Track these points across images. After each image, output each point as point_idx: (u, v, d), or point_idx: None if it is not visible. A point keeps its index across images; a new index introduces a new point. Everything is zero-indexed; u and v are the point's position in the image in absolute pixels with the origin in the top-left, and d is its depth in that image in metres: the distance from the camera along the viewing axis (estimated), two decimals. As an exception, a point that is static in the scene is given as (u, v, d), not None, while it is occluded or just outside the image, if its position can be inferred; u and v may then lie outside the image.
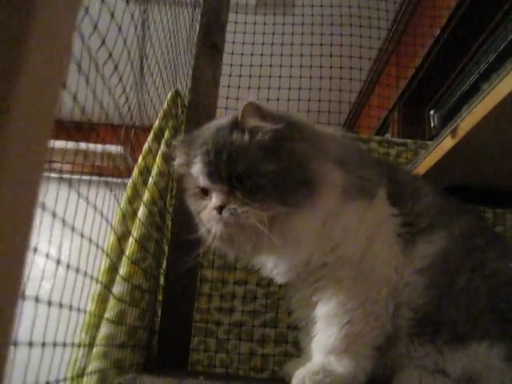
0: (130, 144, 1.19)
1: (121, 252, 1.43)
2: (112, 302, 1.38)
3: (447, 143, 1.38)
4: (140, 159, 1.50)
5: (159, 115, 1.62)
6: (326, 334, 1.14)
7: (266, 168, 1.09)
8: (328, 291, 1.16)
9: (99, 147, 0.97)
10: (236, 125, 1.13)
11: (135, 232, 1.44)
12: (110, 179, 1.17)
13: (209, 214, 1.12)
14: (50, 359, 0.84)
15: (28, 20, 0.42)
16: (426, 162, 1.53)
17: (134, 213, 1.48)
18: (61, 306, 0.82)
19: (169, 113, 1.64)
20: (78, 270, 0.90)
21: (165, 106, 1.63)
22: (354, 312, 1.13)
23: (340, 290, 1.14)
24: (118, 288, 1.39)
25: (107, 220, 1.10)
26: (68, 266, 0.85)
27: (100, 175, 1.10)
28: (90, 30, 0.77)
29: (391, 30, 3.32)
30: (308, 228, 1.12)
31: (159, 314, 1.58)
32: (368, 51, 2.72)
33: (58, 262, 0.82)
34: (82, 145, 0.85)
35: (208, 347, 1.77)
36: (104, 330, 1.35)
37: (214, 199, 1.09)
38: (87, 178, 0.91)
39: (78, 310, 0.94)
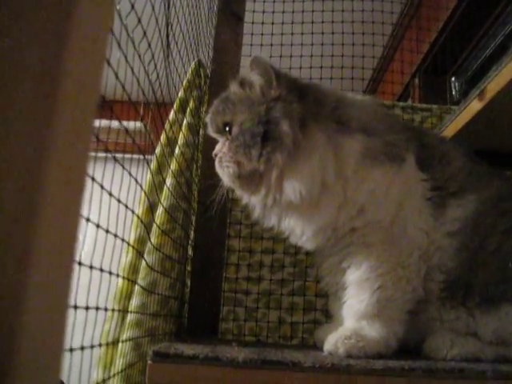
0: (154, 121, 1.21)
1: (150, 222, 1.43)
2: (143, 271, 1.40)
3: (474, 106, 1.36)
4: (166, 129, 1.51)
5: (183, 85, 1.61)
6: (357, 299, 1.14)
7: (243, 119, 1.15)
8: (359, 256, 1.16)
9: (121, 124, 0.96)
10: (243, 82, 1.21)
11: (164, 202, 1.44)
12: (133, 156, 1.18)
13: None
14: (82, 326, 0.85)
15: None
16: (452, 126, 1.52)
17: (160, 185, 1.48)
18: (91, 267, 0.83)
19: (192, 83, 1.64)
20: (106, 239, 0.91)
21: (188, 76, 1.62)
22: (385, 276, 1.13)
23: (371, 254, 1.14)
24: (148, 258, 1.40)
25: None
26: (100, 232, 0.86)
27: (124, 152, 1.11)
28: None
29: (407, 3, 3.28)
30: (310, 184, 1.11)
31: (189, 284, 1.60)
32: (390, 16, 2.69)
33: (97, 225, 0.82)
34: (105, 122, 0.85)
35: (237, 316, 1.79)
36: (136, 299, 1.37)
37: (215, 149, 1.20)
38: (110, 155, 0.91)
39: (110, 273, 0.95)
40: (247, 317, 1.79)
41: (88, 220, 0.78)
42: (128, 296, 1.41)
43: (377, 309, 1.12)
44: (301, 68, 2.18)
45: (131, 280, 1.41)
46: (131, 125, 1.01)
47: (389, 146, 1.16)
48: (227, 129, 1.18)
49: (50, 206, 0.40)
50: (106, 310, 0.97)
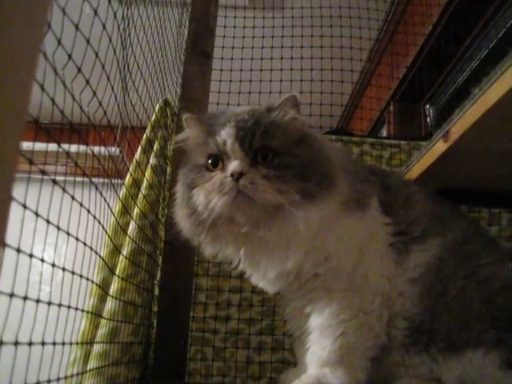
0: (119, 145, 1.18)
1: (110, 269, 1.42)
2: (104, 319, 1.37)
3: (439, 147, 1.37)
4: (127, 176, 1.49)
5: (147, 128, 1.60)
6: (320, 346, 1.14)
7: (299, 150, 1.09)
8: (321, 302, 1.15)
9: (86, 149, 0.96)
10: (273, 110, 1.14)
11: (126, 248, 1.43)
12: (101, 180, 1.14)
13: (215, 184, 1.06)
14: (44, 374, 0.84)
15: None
16: (419, 165, 1.52)
17: (124, 228, 1.47)
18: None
19: (157, 124, 1.63)
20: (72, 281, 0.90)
21: (153, 117, 1.62)
22: (347, 323, 1.12)
23: (333, 300, 1.13)
24: (110, 304, 1.38)
25: (101, 227, 1.09)
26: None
27: (88, 176, 1.07)
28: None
29: (382, 29, 3.31)
30: (306, 229, 1.08)
31: (155, 325, 1.58)
32: (366, 42, 2.71)
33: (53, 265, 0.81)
34: (72, 147, 0.85)
35: (205, 356, 1.77)
36: (97, 347, 1.35)
37: (235, 166, 1.05)
38: (76, 179, 0.90)
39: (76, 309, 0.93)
40: (215, 356, 1.78)
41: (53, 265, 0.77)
42: (91, 340, 1.39)
43: (339, 356, 1.11)
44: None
45: (93, 324, 1.39)
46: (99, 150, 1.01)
47: (357, 193, 1.16)
48: (269, 154, 1.08)
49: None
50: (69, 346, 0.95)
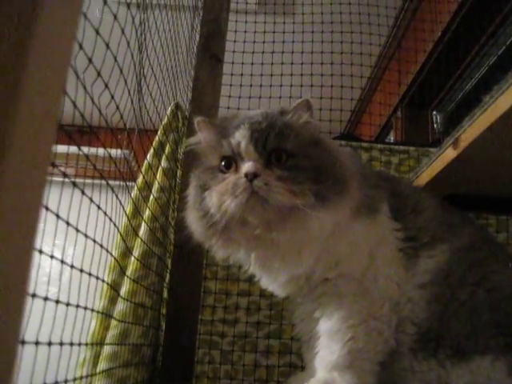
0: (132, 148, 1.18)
1: (122, 270, 1.43)
2: (115, 320, 1.38)
3: (449, 154, 1.38)
4: (140, 177, 1.50)
5: (159, 131, 1.61)
6: (329, 350, 1.14)
7: (313, 153, 1.10)
8: (330, 307, 1.16)
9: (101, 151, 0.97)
10: (287, 113, 1.15)
11: (137, 250, 1.44)
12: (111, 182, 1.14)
13: (228, 185, 1.06)
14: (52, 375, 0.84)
15: (29, 28, 0.43)
16: (428, 172, 1.53)
17: (135, 230, 1.48)
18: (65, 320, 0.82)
19: (169, 127, 1.64)
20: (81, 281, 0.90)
21: (165, 120, 1.63)
22: (356, 328, 1.13)
23: (342, 305, 1.14)
24: (120, 306, 1.39)
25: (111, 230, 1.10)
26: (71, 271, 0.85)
27: (102, 179, 1.07)
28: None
29: (391, 35, 3.32)
30: (319, 232, 1.09)
31: (163, 327, 1.59)
32: (374, 47, 2.71)
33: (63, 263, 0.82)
34: (85, 149, 0.86)
35: (213, 359, 1.78)
36: (107, 348, 1.35)
37: (249, 166, 1.04)
38: (90, 181, 0.91)
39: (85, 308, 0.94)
40: (223, 360, 1.78)
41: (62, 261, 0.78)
42: (101, 341, 1.40)
43: (348, 360, 1.11)
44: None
45: (103, 326, 1.40)
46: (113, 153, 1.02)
47: (367, 199, 1.16)
48: (283, 156, 1.08)
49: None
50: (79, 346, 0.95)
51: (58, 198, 0.75)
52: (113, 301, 1.44)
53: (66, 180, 0.78)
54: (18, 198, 0.43)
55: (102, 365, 1.32)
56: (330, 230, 1.11)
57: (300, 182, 1.05)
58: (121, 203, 1.14)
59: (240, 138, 1.08)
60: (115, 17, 0.92)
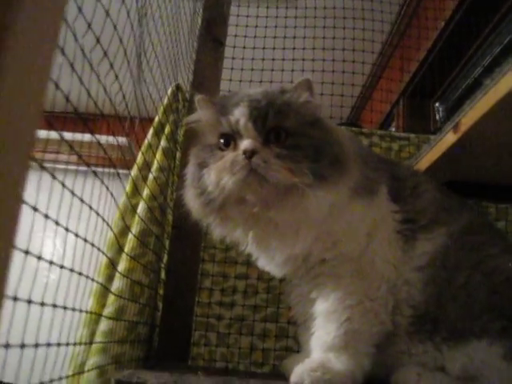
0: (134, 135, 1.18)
1: (120, 247, 1.43)
2: (111, 297, 1.38)
3: (449, 138, 1.37)
4: (139, 155, 1.50)
5: (159, 110, 1.61)
6: (325, 331, 1.14)
7: (312, 132, 1.10)
8: (327, 288, 1.15)
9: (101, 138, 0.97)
10: (288, 91, 1.14)
11: (134, 228, 1.44)
12: (110, 170, 1.14)
13: (226, 162, 1.06)
14: (52, 352, 0.84)
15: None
16: (428, 157, 1.52)
17: (134, 208, 1.48)
18: (55, 306, 0.82)
19: (169, 107, 1.64)
20: (76, 263, 0.90)
21: (165, 100, 1.62)
22: (353, 309, 1.12)
23: (339, 286, 1.14)
24: (117, 283, 1.39)
25: (106, 214, 1.10)
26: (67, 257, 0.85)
27: (102, 166, 1.07)
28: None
29: (395, 23, 3.31)
30: (317, 211, 1.09)
31: (160, 308, 1.59)
32: (378, 34, 2.71)
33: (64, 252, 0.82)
34: (86, 136, 0.86)
35: (209, 341, 1.78)
36: (103, 325, 1.36)
37: (248, 144, 1.04)
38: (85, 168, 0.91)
39: (76, 309, 0.94)
40: (219, 342, 1.79)
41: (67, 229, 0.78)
42: (97, 320, 1.40)
43: (344, 341, 1.11)
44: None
45: (100, 304, 1.40)
46: (110, 140, 1.02)
47: (366, 180, 1.16)
48: (282, 134, 1.07)
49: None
50: (70, 343, 0.95)
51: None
52: (110, 279, 1.44)
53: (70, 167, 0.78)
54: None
55: (98, 341, 1.32)
56: (327, 210, 1.10)
57: (299, 160, 1.04)
58: (111, 194, 1.14)
59: (239, 115, 1.08)
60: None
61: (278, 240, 1.14)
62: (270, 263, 1.22)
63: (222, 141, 1.11)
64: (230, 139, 1.10)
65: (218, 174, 1.07)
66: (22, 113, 0.44)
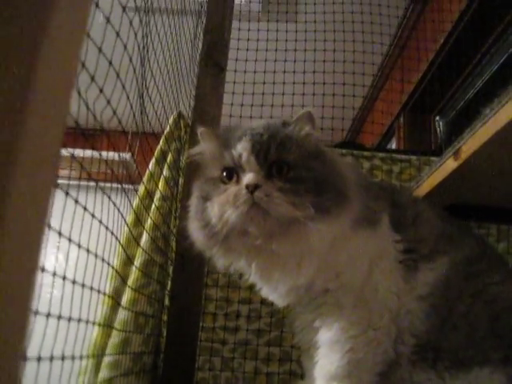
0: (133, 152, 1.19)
1: (124, 278, 1.43)
2: (116, 327, 1.39)
3: (450, 164, 1.38)
4: (141, 186, 1.51)
5: (161, 140, 1.62)
6: (328, 360, 1.15)
7: (314, 165, 1.10)
8: (330, 317, 1.16)
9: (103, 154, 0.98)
10: (289, 124, 1.16)
11: (138, 259, 1.44)
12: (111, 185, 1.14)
13: (229, 196, 1.07)
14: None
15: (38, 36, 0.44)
16: (429, 182, 1.53)
17: (136, 240, 1.48)
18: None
19: (171, 136, 1.65)
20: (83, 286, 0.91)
21: (167, 129, 1.64)
22: (356, 339, 1.13)
23: (342, 316, 1.15)
24: (121, 314, 1.40)
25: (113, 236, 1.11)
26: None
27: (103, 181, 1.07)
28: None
29: (393, 44, 3.33)
30: (320, 244, 1.09)
31: (164, 334, 1.59)
32: (376, 56, 2.72)
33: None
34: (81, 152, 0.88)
35: (213, 366, 1.79)
36: (108, 356, 1.36)
37: (250, 178, 1.05)
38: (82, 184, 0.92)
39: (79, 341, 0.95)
40: (223, 367, 1.79)
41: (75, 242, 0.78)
42: (102, 349, 1.40)
43: (347, 371, 1.12)
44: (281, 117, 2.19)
45: (105, 334, 1.40)
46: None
47: (368, 210, 1.17)
48: (284, 168, 1.08)
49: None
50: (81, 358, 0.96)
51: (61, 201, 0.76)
52: (115, 309, 1.45)
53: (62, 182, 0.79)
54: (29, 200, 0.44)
55: (104, 373, 1.33)
56: (329, 242, 1.11)
57: (301, 194, 1.05)
58: (118, 210, 1.15)
59: (242, 149, 1.09)
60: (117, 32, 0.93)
61: (281, 271, 1.15)
62: (273, 293, 1.22)
63: (224, 174, 1.12)
64: (232, 172, 1.11)
65: (221, 208, 1.08)
66: (48, 131, 0.46)
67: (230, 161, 1.11)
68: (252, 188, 1.04)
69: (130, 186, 1.27)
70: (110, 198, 1.08)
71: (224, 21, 1.86)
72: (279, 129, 1.14)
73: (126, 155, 1.18)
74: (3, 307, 0.42)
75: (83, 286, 0.92)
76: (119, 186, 1.15)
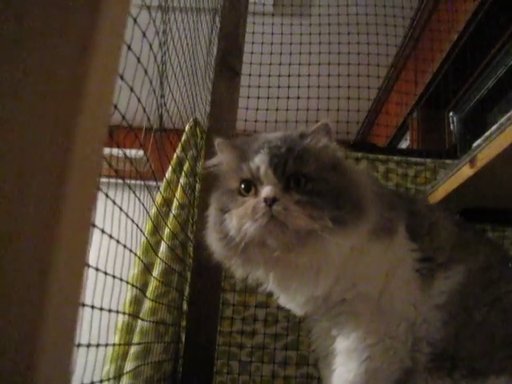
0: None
1: (143, 286, 1.45)
2: (137, 337, 1.41)
3: (465, 172, 1.39)
4: (158, 195, 1.52)
5: (177, 148, 1.63)
6: (346, 369, 1.16)
7: (331, 177, 1.11)
8: (347, 326, 1.17)
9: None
10: (306, 136, 1.16)
11: (156, 268, 1.46)
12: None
13: (247, 209, 1.07)
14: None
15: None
16: (444, 187, 1.54)
17: (153, 249, 1.50)
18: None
19: (187, 144, 1.66)
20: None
21: (183, 137, 1.65)
22: (373, 347, 1.14)
23: (359, 325, 1.16)
24: (142, 323, 1.41)
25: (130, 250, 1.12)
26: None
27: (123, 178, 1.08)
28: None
29: (407, 36, 3.31)
30: (337, 256, 1.11)
31: (183, 339, 1.61)
32: (390, 47, 2.71)
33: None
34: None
35: (231, 370, 1.80)
36: (130, 364, 1.38)
37: (269, 191, 1.06)
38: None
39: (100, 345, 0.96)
40: (241, 370, 1.80)
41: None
42: (123, 357, 1.42)
43: (364, 379, 1.13)
44: (296, 122, 2.19)
45: (125, 341, 1.42)
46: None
47: (384, 220, 1.18)
48: (302, 180, 1.09)
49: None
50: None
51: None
52: (135, 315, 1.46)
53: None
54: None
55: (126, 381, 1.34)
56: (347, 253, 1.13)
57: (318, 206, 1.06)
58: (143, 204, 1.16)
59: (259, 162, 1.10)
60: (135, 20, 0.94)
61: (299, 282, 1.16)
62: (290, 302, 1.24)
63: (242, 186, 1.12)
64: (250, 185, 1.11)
65: (239, 220, 1.09)
66: (96, 131, 0.48)
67: (247, 173, 1.12)
68: (270, 201, 1.04)
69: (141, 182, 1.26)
70: (135, 193, 1.09)
71: (238, 26, 1.87)
72: (296, 141, 1.15)
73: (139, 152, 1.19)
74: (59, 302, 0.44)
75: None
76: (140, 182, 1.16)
